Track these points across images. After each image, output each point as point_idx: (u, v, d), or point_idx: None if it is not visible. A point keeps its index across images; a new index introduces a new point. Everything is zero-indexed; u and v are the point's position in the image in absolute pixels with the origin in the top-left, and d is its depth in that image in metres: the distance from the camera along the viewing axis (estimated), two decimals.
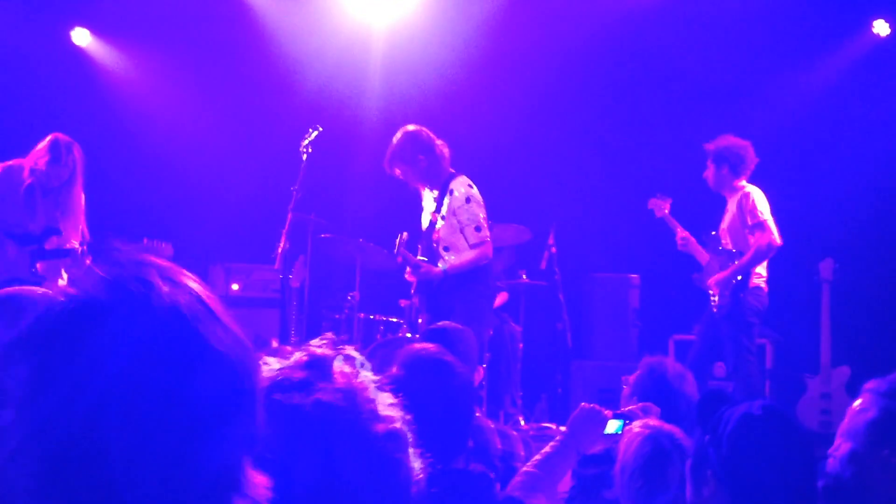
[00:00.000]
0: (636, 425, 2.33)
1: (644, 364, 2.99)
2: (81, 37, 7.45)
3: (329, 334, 1.23)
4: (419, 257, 4.94)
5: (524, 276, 6.77)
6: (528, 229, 6.53)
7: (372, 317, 6.54)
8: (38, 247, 5.23)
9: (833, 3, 7.14)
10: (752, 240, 5.46)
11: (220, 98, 7.66)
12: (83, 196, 5.40)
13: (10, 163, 5.29)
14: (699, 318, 5.79)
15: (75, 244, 5.28)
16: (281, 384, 1.10)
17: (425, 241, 4.95)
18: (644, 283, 7.11)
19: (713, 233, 5.68)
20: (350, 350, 1.16)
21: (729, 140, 5.57)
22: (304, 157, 5.43)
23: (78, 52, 7.49)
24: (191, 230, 7.58)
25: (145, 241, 5.48)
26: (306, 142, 5.52)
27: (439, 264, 4.80)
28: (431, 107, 8.18)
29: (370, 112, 7.49)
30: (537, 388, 7.12)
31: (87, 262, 5.14)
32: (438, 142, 4.95)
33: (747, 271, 5.44)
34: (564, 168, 7.66)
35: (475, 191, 4.89)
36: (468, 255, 4.76)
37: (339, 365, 1.13)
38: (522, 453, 2.48)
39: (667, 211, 5.82)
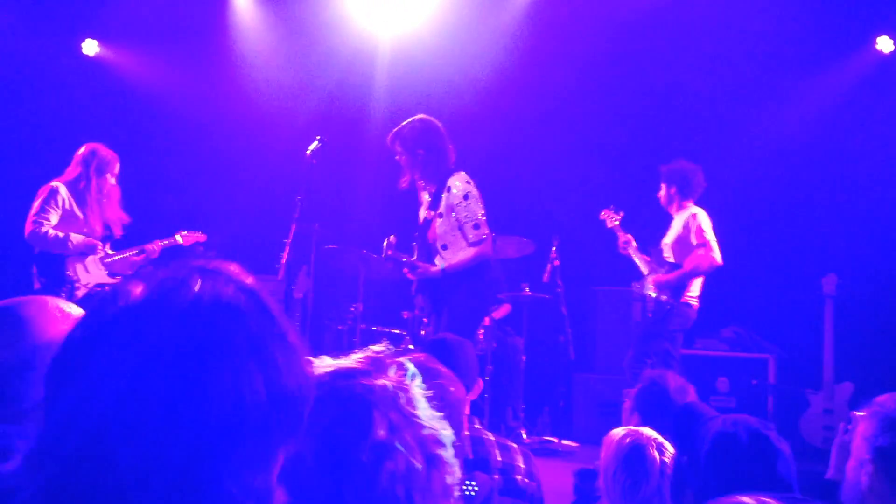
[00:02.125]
0: (615, 432, 2.41)
1: (645, 377, 2.99)
2: (91, 48, 7.52)
3: (385, 342, 1.32)
4: (415, 256, 4.91)
5: (527, 289, 6.76)
6: (531, 242, 6.53)
7: (375, 328, 6.54)
8: (107, 253, 5.56)
9: (838, 20, 7.16)
10: (696, 256, 5.77)
11: (223, 108, 7.70)
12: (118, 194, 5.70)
13: (54, 183, 5.47)
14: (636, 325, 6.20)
15: (153, 246, 5.71)
16: (345, 373, 1.20)
17: (421, 238, 4.85)
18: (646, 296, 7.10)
19: (657, 248, 6.01)
20: (405, 360, 1.26)
21: (681, 164, 5.98)
22: (309, 167, 5.45)
23: (88, 63, 7.55)
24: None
25: (182, 232, 5.85)
26: (310, 152, 5.55)
27: (437, 261, 4.72)
28: (436, 117, 8.18)
29: (375, 122, 7.51)
30: (539, 401, 7.10)
31: (156, 255, 5.69)
32: (449, 144, 4.87)
33: (684, 283, 5.79)
34: (568, 181, 7.67)
35: (473, 187, 4.79)
36: (467, 253, 4.67)
37: (393, 369, 1.23)
38: (522, 466, 2.48)
39: (617, 223, 6.19)
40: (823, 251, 7.04)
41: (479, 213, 4.72)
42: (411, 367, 1.24)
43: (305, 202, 5.01)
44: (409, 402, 1.19)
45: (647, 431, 2.34)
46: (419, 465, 1.14)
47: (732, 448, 1.80)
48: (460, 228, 4.66)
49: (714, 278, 7.03)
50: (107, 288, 0.89)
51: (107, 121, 7.32)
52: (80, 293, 5.37)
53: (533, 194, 7.91)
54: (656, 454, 2.27)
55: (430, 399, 1.22)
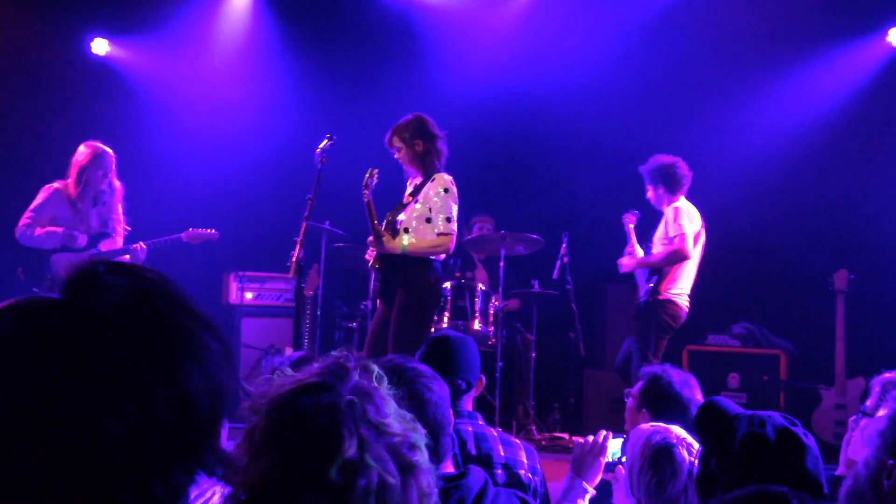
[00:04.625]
0: (643, 427, 2.37)
1: (646, 374, 2.98)
2: (100, 47, 7.55)
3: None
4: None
5: (537, 286, 6.77)
6: (541, 238, 6.54)
7: None
8: (95, 250, 5.52)
9: (849, 12, 7.12)
10: (666, 247, 5.78)
11: (235, 106, 7.74)
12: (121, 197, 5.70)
13: (57, 185, 5.53)
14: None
15: (139, 244, 5.60)
16: (308, 388, 1.17)
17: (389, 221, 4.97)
18: None
19: (648, 245, 6.01)
20: (369, 363, 1.23)
21: (659, 160, 5.89)
22: (320, 166, 5.47)
23: (99, 62, 7.60)
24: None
25: (191, 230, 5.79)
26: (320, 150, 5.56)
27: (404, 239, 4.78)
28: (446, 113, 8.20)
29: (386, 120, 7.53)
30: (550, 398, 7.12)
31: (143, 253, 5.59)
32: (442, 141, 5.03)
33: (650, 267, 5.84)
34: (577, 177, 7.67)
35: (454, 188, 4.94)
36: (431, 240, 4.77)
37: (356, 374, 1.19)
38: (525, 461, 2.49)
39: (632, 226, 6.11)
40: (834, 246, 7.01)
41: (454, 210, 4.86)
42: (375, 370, 1.21)
43: (316, 201, 5.03)
44: (378, 409, 1.15)
45: (677, 430, 2.32)
46: (393, 479, 1.11)
47: (761, 446, 1.79)
48: (428, 220, 4.78)
49: (725, 274, 7.03)
50: None
51: (116, 120, 7.36)
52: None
53: (543, 190, 7.91)
54: (685, 454, 2.25)
55: (402, 400, 1.20)
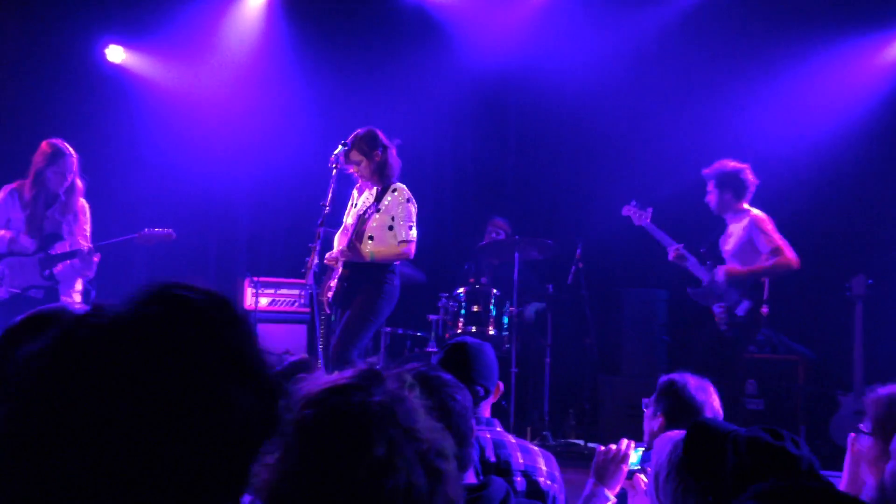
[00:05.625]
0: (669, 435, 2.35)
1: (662, 383, 2.96)
2: (116, 54, 7.59)
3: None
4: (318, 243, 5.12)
5: (551, 291, 6.76)
6: (555, 244, 6.52)
7: (399, 331, 6.58)
8: (44, 254, 5.41)
9: (872, 16, 7.07)
10: (773, 260, 5.58)
11: (250, 113, 7.76)
12: (86, 205, 5.55)
13: (13, 185, 5.47)
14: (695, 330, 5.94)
15: (83, 244, 5.42)
16: (340, 388, 1.18)
17: (344, 232, 5.14)
18: (672, 297, 7.06)
19: (704, 252, 5.81)
20: (403, 371, 1.25)
21: (729, 165, 5.71)
22: (334, 172, 5.49)
23: (114, 69, 7.63)
24: (221, 245, 7.68)
25: (145, 230, 5.60)
26: (335, 157, 5.58)
27: (368, 246, 4.95)
28: (461, 118, 8.23)
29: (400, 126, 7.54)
30: (565, 404, 7.09)
31: (96, 260, 5.39)
32: (393, 151, 5.18)
33: (757, 278, 5.61)
34: (592, 183, 7.65)
35: (412, 198, 5.15)
36: (395, 248, 4.97)
37: (389, 381, 1.21)
38: (544, 468, 2.48)
39: (648, 220, 5.92)
40: (852, 252, 6.96)
41: (414, 218, 5.07)
42: (408, 379, 1.22)
43: (331, 207, 5.05)
44: (408, 415, 1.16)
45: None
46: (420, 483, 1.12)
47: (752, 476, 1.76)
48: (394, 227, 4.97)
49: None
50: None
51: (130, 127, 7.41)
52: (4, 294, 5.30)
53: (558, 196, 7.90)
54: None
55: (431, 410, 1.20)
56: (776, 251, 5.55)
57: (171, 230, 5.66)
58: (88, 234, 5.55)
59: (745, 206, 5.73)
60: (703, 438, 1.90)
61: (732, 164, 5.73)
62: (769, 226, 5.62)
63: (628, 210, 6.02)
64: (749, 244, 5.64)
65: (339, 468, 1.11)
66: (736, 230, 5.73)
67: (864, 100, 7.15)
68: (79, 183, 5.48)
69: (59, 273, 5.41)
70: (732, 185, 5.67)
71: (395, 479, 1.10)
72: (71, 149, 5.45)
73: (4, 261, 5.41)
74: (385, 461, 1.10)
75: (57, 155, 5.38)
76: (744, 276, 5.62)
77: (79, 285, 5.56)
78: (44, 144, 5.43)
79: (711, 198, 5.78)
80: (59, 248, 5.43)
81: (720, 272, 5.69)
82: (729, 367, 5.62)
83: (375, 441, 1.11)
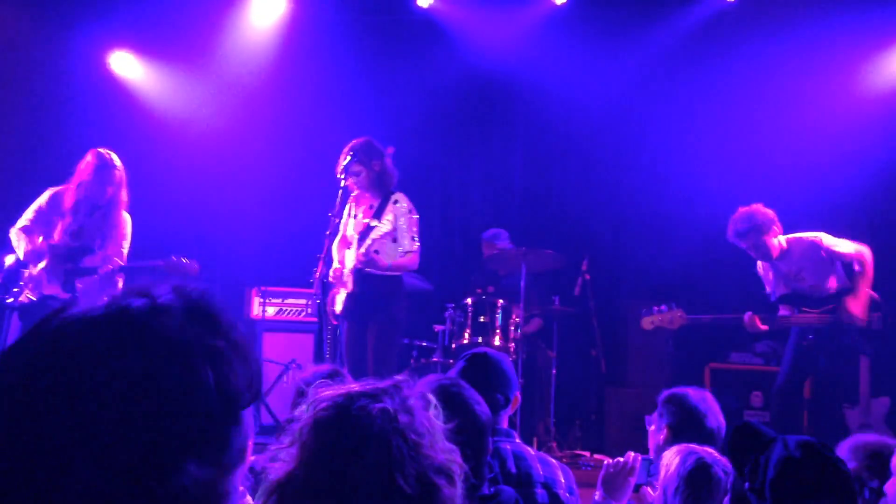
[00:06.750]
0: (677, 448, 2.38)
1: (663, 397, 2.99)
2: (122, 63, 7.62)
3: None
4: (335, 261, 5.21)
5: (558, 303, 6.76)
6: (562, 256, 6.54)
7: (405, 341, 6.58)
8: (73, 265, 5.31)
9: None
10: (856, 268, 5.58)
11: (258, 122, 7.79)
12: (128, 219, 5.45)
13: (59, 188, 5.40)
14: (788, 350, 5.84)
15: (118, 262, 5.31)
16: (354, 394, 1.24)
17: (344, 243, 5.16)
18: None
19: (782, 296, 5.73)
20: (427, 392, 1.30)
21: (743, 219, 5.57)
22: (343, 183, 5.50)
23: (117, 78, 7.66)
24: (228, 254, 7.70)
25: (173, 258, 5.37)
26: (342, 168, 5.59)
27: (375, 260, 4.95)
28: (466, 129, 8.25)
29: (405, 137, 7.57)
30: (571, 415, 7.08)
31: (120, 282, 5.27)
32: (390, 159, 5.21)
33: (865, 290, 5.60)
34: (599, 194, 7.67)
35: (414, 207, 5.17)
36: (400, 259, 4.98)
37: (411, 396, 1.26)
38: (563, 480, 2.49)
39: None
40: None
41: (416, 228, 5.09)
42: (433, 402, 1.26)
43: (339, 217, 5.08)
44: (413, 427, 1.20)
45: (710, 451, 2.33)
46: (411, 492, 1.16)
47: (797, 474, 1.77)
48: (397, 238, 4.98)
49: (747, 291, 6.99)
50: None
51: (135, 135, 7.42)
52: (24, 300, 5.19)
53: (564, 208, 7.91)
54: (723, 475, 2.25)
55: (448, 430, 1.23)
56: (853, 259, 5.57)
57: (195, 263, 5.39)
58: (125, 249, 5.41)
59: (782, 238, 5.65)
60: (751, 432, 1.91)
61: (744, 214, 5.60)
62: (832, 238, 5.62)
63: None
64: (822, 262, 5.59)
65: (339, 467, 1.17)
66: (796, 259, 5.66)
67: (866, 130, 7.14)
68: (123, 196, 5.35)
69: (81, 287, 5.28)
70: (765, 230, 5.56)
71: (387, 484, 1.15)
72: (117, 160, 5.34)
73: (30, 267, 5.29)
74: (379, 465, 1.16)
75: (101, 166, 5.28)
76: (866, 303, 5.59)
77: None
78: (89, 153, 5.32)
79: (759, 252, 5.65)
80: (89, 261, 5.31)
81: (854, 304, 5.58)
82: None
83: (371, 444, 1.17)
